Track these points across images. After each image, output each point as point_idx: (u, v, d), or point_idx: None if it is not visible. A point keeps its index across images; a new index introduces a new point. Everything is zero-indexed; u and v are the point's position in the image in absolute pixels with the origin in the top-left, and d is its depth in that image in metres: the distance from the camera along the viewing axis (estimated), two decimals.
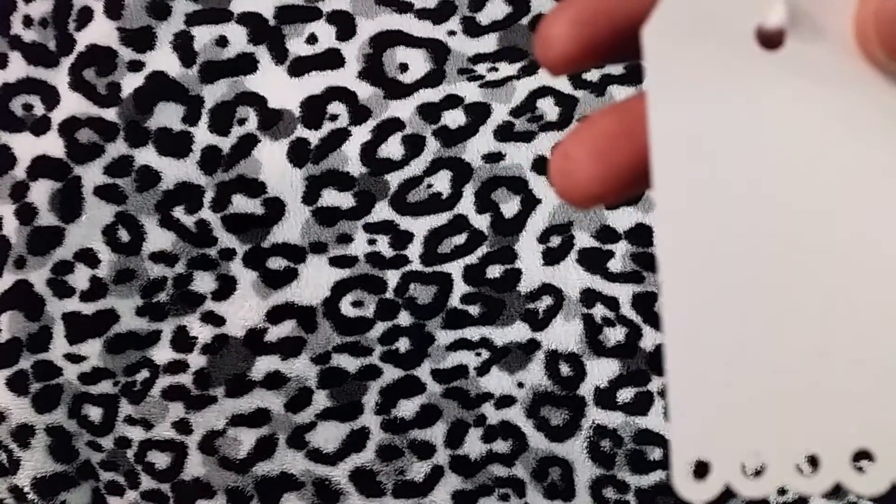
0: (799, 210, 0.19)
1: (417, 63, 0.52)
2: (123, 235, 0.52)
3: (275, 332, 0.51)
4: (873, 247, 0.19)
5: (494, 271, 0.51)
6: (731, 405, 0.19)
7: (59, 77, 0.52)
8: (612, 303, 0.51)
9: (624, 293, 0.51)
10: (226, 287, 0.52)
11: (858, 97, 0.19)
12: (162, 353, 0.52)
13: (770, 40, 0.19)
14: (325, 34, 0.52)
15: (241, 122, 0.52)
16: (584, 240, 0.51)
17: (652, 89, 0.19)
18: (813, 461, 0.19)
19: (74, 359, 0.51)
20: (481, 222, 0.51)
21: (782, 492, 0.50)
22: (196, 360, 0.51)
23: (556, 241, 0.51)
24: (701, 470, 0.19)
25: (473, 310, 0.51)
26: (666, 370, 0.19)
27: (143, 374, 0.51)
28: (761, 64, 0.19)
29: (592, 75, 0.51)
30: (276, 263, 0.52)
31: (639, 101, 0.19)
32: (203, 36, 0.52)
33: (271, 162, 0.52)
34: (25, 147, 0.52)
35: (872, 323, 0.19)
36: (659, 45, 0.19)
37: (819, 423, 0.19)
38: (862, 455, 0.19)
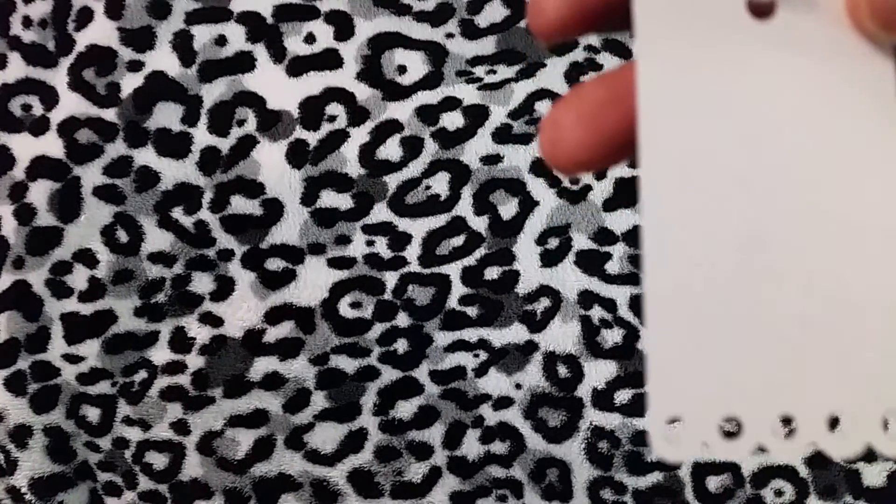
0: (784, 178, 0.19)
1: (416, 65, 0.52)
2: (122, 236, 0.52)
3: (273, 333, 0.51)
4: (857, 214, 0.19)
5: (492, 273, 0.52)
6: (710, 367, 0.19)
7: (58, 77, 0.52)
8: (609, 304, 0.51)
9: (621, 295, 0.51)
10: (224, 288, 0.52)
11: (848, 68, 0.19)
12: (160, 354, 0.52)
13: (761, 10, 0.19)
14: (323, 34, 0.52)
15: (240, 123, 0.52)
16: (581, 242, 0.51)
17: (641, 57, 0.19)
18: (788, 424, 0.19)
19: (72, 359, 0.51)
20: (479, 224, 0.52)
21: (779, 493, 0.50)
22: (194, 361, 0.51)
23: (553, 242, 0.52)
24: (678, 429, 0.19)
25: (471, 311, 0.51)
26: (645, 330, 0.19)
27: (142, 374, 0.51)
28: (752, 33, 0.19)
29: (590, 78, 0.52)
30: (274, 264, 0.52)
31: (627, 69, 0.20)
32: (203, 35, 0.52)
33: (270, 163, 0.52)
34: (24, 147, 0.52)
35: (851, 290, 0.19)
36: (649, 12, 0.19)
37: (795, 386, 0.19)
38: (837, 419, 0.19)
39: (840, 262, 0.19)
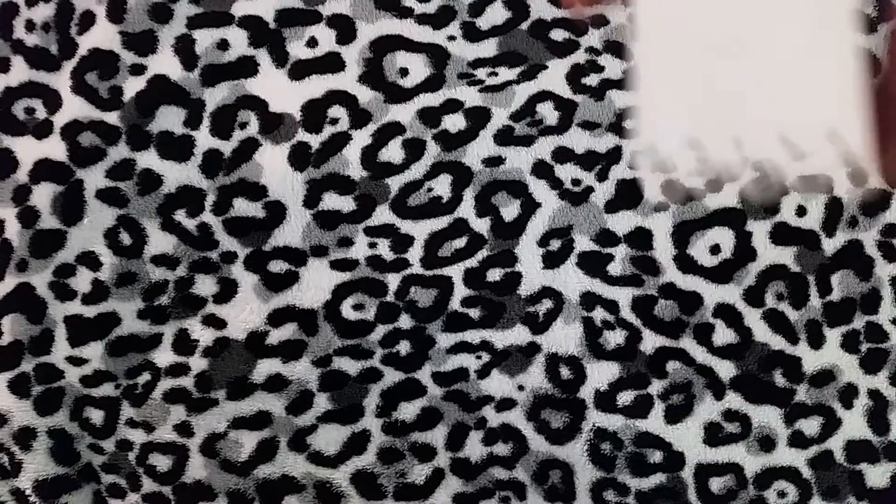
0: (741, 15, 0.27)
1: (417, 68, 0.52)
2: (125, 238, 0.52)
3: (276, 335, 0.52)
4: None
5: (494, 275, 0.52)
6: (685, 114, 0.27)
7: (61, 81, 0.52)
8: (611, 306, 0.51)
9: (623, 296, 0.51)
10: (227, 290, 0.52)
11: None
12: (163, 356, 0.52)
13: None
14: (325, 38, 0.52)
15: (243, 125, 0.52)
16: (583, 243, 0.51)
17: None
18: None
19: (76, 361, 0.51)
20: (481, 226, 0.52)
21: (782, 494, 0.50)
22: (197, 363, 0.52)
23: (555, 244, 0.52)
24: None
25: (474, 313, 0.51)
26: (637, 96, 0.27)
27: (145, 376, 0.52)
28: None
29: (591, 80, 0.52)
30: (277, 267, 0.52)
31: None
32: (204, 39, 0.52)
33: (272, 166, 0.52)
34: (28, 151, 0.52)
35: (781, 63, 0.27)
36: None
37: (744, 117, 0.27)
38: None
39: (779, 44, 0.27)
